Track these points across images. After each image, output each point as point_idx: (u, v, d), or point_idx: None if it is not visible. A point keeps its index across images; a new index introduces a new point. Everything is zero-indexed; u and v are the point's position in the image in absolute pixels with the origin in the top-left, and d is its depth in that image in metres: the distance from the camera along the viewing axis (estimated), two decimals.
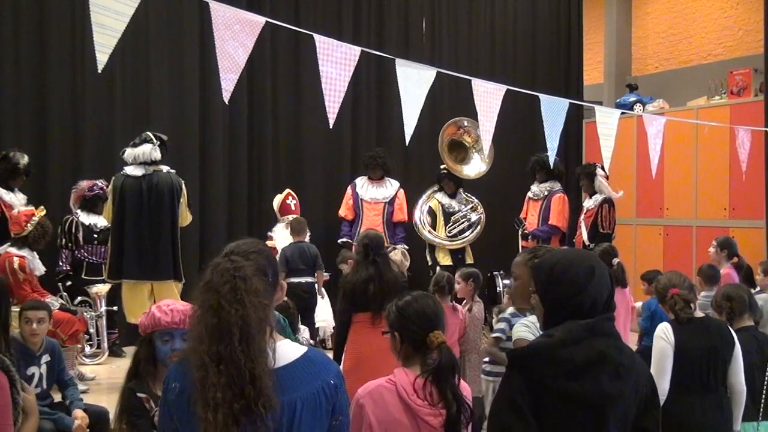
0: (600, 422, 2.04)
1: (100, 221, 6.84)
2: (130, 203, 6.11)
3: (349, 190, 8.14)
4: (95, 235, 6.87)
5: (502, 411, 2.10)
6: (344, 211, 8.13)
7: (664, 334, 3.55)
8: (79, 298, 6.72)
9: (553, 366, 2.04)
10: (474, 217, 8.33)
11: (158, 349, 2.92)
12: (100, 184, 6.86)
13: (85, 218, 6.87)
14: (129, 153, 6.27)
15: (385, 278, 4.64)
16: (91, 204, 6.87)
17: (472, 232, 8.27)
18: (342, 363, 4.63)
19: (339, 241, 8.07)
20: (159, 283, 6.13)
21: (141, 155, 6.21)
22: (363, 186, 8.08)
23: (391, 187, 8.13)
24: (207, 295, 1.85)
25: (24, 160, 6.39)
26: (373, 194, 8.04)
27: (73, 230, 6.84)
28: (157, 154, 6.25)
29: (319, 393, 1.89)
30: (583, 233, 7.74)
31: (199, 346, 1.82)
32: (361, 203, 8.03)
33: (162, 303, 2.99)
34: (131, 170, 6.21)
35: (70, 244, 6.84)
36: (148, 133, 6.36)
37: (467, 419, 2.50)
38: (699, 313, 3.65)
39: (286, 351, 1.92)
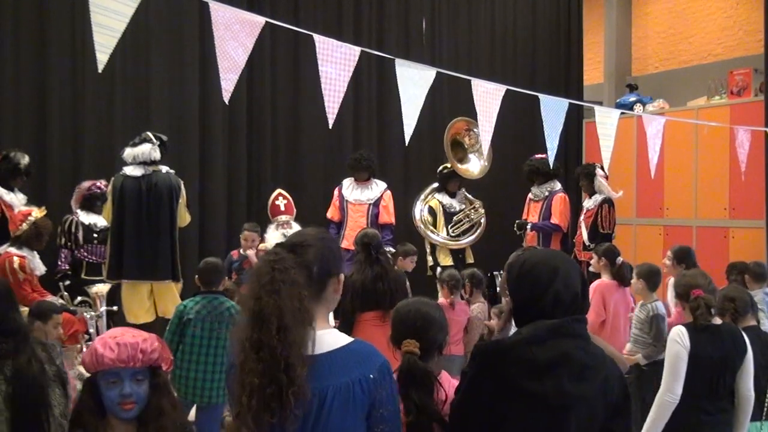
0: (561, 423, 2.03)
1: (100, 221, 6.83)
2: (129, 203, 6.11)
3: (336, 191, 8.03)
4: (95, 235, 6.86)
5: (462, 402, 2.15)
6: (332, 212, 8.02)
7: (679, 338, 3.51)
8: (79, 298, 6.72)
9: (514, 364, 2.05)
10: (475, 216, 8.32)
11: (103, 394, 2.29)
12: (98, 183, 6.85)
13: (85, 218, 6.86)
14: (128, 153, 6.27)
15: (391, 276, 4.68)
16: (89, 203, 6.86)
17: (475, 232, 8.27)
18: None
19: None
20: (158, 283, 6.13)
21: (140, 155, 6.21)
22: (349, 187, 7.98)
23: (376, 188, 7.93)
24: (251, 283, 1.97)
25: (24, 160, 6.38)
26: (357, 196, 7.89)
27: (73, 230, 6.84)
28: (156, 154, 6.25)
29: (354, 384, 1.91)
30: (583, 233, 7.75)
31: (242, 331, 1.93)
32: (346, 205, 7.97)
33: (108, 334, 2.38)
34: (130, 170, 6.21)
35: (69, 244, 6.84)
36: (148, 133, 6.36)
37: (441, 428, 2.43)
38: (716, 320, 3.59)
39: (328, 340, 1.97)
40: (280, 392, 1.83)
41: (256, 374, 1.85)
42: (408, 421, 2.39)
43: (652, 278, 4.95)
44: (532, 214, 8.17)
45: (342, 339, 2.00)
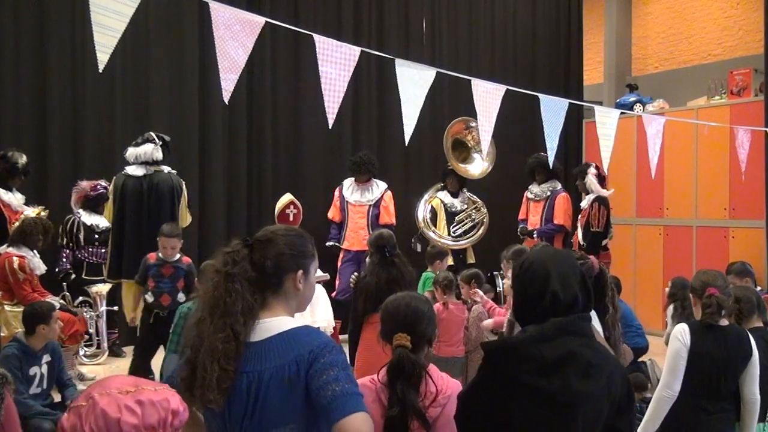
0: (568, 421, 2.04)
1: (102, 222, 6.82)
2: (130, 203, 6.12)
3: (336, 191, 8.08)
4: (96, 236, 6.86)
5: (467, 399, 2.17)
6: (332, 213, 8.07)
7: (680, 335, 3.52)
8: (80, 299, 6.71)
9: (522, 362, 2.06)
10: (477, 216, 8.32)
11: None
12: (103, 184, 6.84)
13: (87, 218, 6.86)
14: (131, 152, 6.28)
15: (407, 279, 4.68)
16: (94, 204, 6.85)
17: (477, 232, 8.26)
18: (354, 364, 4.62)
19: (327, 244, 8.04)
20: None
21: (143, 155, 6.22)
22: (349, 188, 8.01)
23: (377, 189, 7.99)
24: (208, 272, 2.11)
25: (22, 159, 6.35)
26: (358, 197, 7.95)
27: (75, 230, 6.83)
28: (158, 154, 6.26)
29: (290, 365, 1.96)
30: (579, 232, 7.76)
31: (193, 316, 2.11)
32: (346, 205, 7.98)
33: (113, 387, 1.60)
34: (132, 170, 6.22)
35: (71, 244, 6.84)
36: (151, 133, 6.37)
37: (424, 426, 2.45)
38: (724, 321, 3.56)
39: (270, 326, 2.03)
40: (204, 374, 1.95)
41: (193, 354, 2.00)
42: (390, 415, 2.42)
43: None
44: (532, 214, 8.15)
45: (288, 324, 2.05)
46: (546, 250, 2.38)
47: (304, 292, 2.14)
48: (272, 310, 2.07)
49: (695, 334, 3.50)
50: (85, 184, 6.89)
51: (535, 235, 7.95)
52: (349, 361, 5.03)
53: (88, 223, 6.84)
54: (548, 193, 8.06)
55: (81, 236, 6.81)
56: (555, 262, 2.18)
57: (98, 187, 6.83)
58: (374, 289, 4.59)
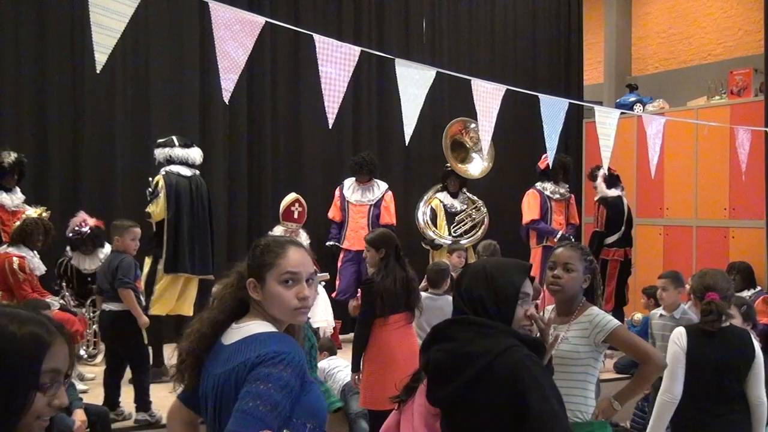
0: (449, 422, 2.20)
1: (94, 263, 6.38)
2: (184, 201, 6.30)
3: (337, 191, 8.08)
4: (89, 279, 6.44)
5: None
6: (333, 212, 8.08)
7: (678, 339, 3.51)
8: (91, 298, 6.64)
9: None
10: (477, 216, 8.32)
11: None
12: (85, 223, 6.37)
13: (77, 261, 6.40)
14: (180, 153, 6.35)
15: (414, 277, 4.73)
16: (78, 244, 6.36)
17: (477, 232, 8.26)
18: (363, 367, 4.63)
19: (327, 244, 8.03)
20: (193, 277, 6.37)
21: (197, 158, 6.45)
22: (350, 188, 8.01)
23: (378, 189, 7.98)
24: None
25: (10, 158, 6.17)
26: (358, 197, 7.95)
27: (70, 274, 6.53)
28: (201, 160, 6.53)
29: (239, 368, 2.01)
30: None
31: None
32: (347, 205, 7.99)
33: None
34: (182, 170, 6.34)
35: (70, 285, 6.56)
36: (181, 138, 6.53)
37: None
38: (725, 323, 3.51)
39: (241, 331, 2.12)
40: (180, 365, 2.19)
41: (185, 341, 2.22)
42: None
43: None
44: (557, 213, 8.05)
45: (256, 329, 2.10)
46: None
47: (266, 301, 2.12)
48: (250, 316, 2.16)
49: (692, 337, 3.48)
50: (77, 219, 6.40)
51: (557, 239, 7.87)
52: (351, 367, 5.01)
53: (78, 267, 6.44)
54: (567, 195, 8.10)
55: (74, 281, 6.50)
56: (471, 267, 2.35)
57: (83, 224, 6.35)
58: (391, 289, 4.57)
